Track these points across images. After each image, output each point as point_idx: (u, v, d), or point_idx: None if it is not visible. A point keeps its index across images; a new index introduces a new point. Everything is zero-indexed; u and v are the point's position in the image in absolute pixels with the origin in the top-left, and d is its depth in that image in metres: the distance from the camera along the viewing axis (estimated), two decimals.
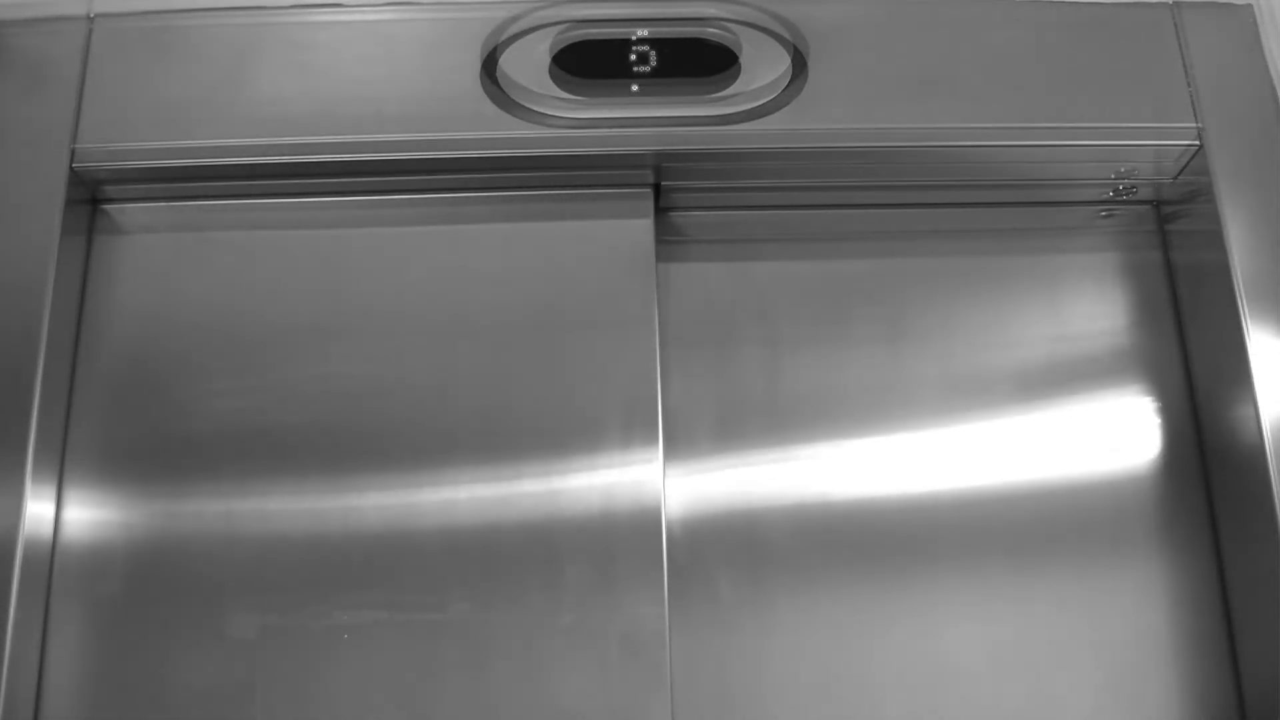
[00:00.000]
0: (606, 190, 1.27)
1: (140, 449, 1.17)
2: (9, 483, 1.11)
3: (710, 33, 1.27)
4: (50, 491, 1.15)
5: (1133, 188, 1.32)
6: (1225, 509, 1.23)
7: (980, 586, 1.21)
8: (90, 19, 1.26)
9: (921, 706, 1.18)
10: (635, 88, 1.25)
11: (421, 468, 1.17)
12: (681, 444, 1.24)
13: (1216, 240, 1.22)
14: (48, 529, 1.14)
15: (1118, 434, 1.28)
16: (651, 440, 1.18)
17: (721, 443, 1.25)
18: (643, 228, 1.26)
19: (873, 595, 1.20)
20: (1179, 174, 1.29)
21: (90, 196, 1.25)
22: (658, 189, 1.29)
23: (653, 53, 1.26)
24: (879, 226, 1.34)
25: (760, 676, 1.18)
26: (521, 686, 1.11)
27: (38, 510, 1.12)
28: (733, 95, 1.25)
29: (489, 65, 1.25)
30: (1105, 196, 1.34)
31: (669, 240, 1.32)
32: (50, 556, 1.14)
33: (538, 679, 1.11)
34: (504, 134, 1.23)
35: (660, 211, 1.31)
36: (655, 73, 1.26)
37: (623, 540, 1.14)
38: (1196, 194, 1.27)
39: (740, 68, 1.26)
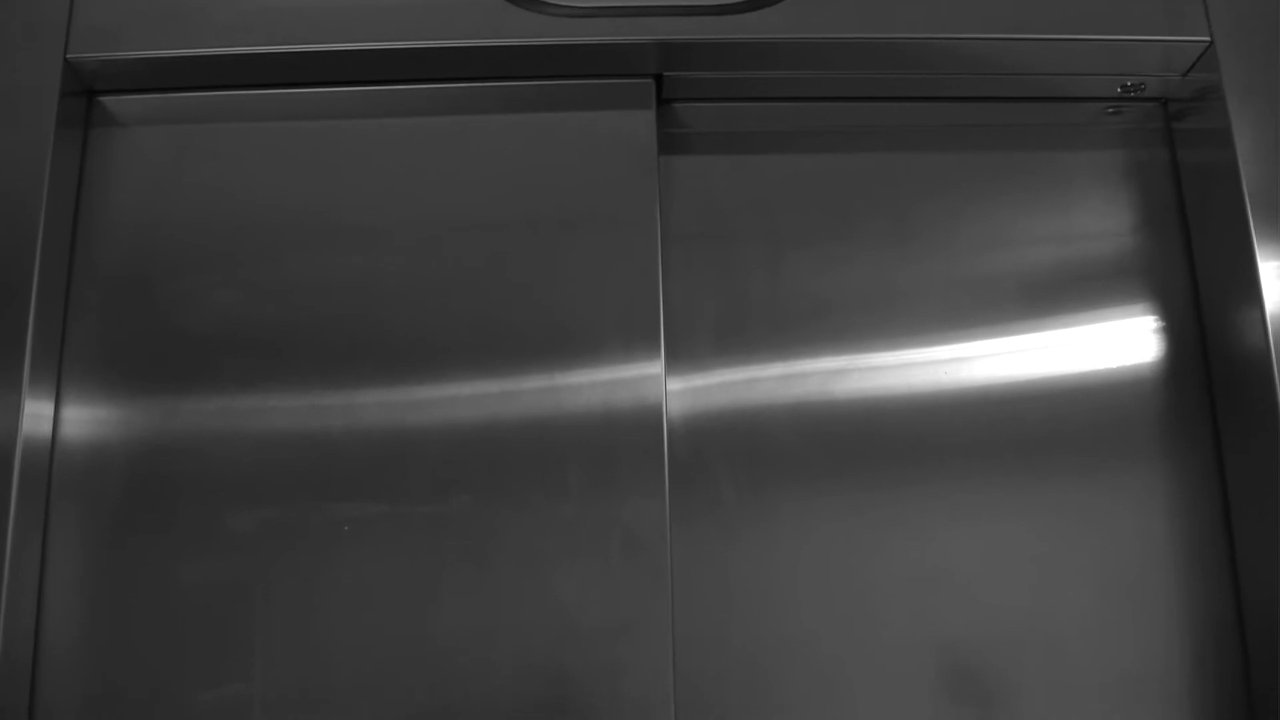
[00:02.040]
0: (607, 81, 1.25)
1: (139, 346, 1.17)
2: (7, 381, 1.11)
3: None
4: (49, 390, 1.14)
5: (1141, 85, 1.31)
6: (1228, 413, 1.24)
7: (983, 490, 1.22)
8: None
9: (922, 608, 1.19)
10: None
11: (422, 364, 1.17)
12: (683, 343, 1.24)
13: (1225, 139, 1.21)
14: (46, 427, 1.14)
15: (1121, 337, 1.27)
16: (653, 338, 1.17)
17: (724, 342, 1.24)
18: (644, 119, 1.24)
19: (875, 498, 1.21)
20: (1188, 71, 1.28)
21: (85, 88, 1.23)
22: (659, 80, 1.27)
23: None
24: (884, 120, 1.33)
25: (761, 576, 1.19)
26: (523, 582, 1.12)
27: (36, 409, 1.13)
28: None
29: None
30: (1113, 93, 1.32)
31: (672, 132, 1.31)
32: (50, 455, 1.14)
33: (539, 575, 1.12)
34: (505, 23, 1.21)
35: (663, 103, 1.29)
36: None
37: (624, 438, 1.15)
38: (1206, 92, 1.26)
39: None
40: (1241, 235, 1.19)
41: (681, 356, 1.23)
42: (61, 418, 1.15)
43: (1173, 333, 1.28)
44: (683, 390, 1.23)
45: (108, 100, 1.24)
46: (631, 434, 1.15)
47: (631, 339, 1.17)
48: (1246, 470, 1.20)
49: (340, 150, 1.23)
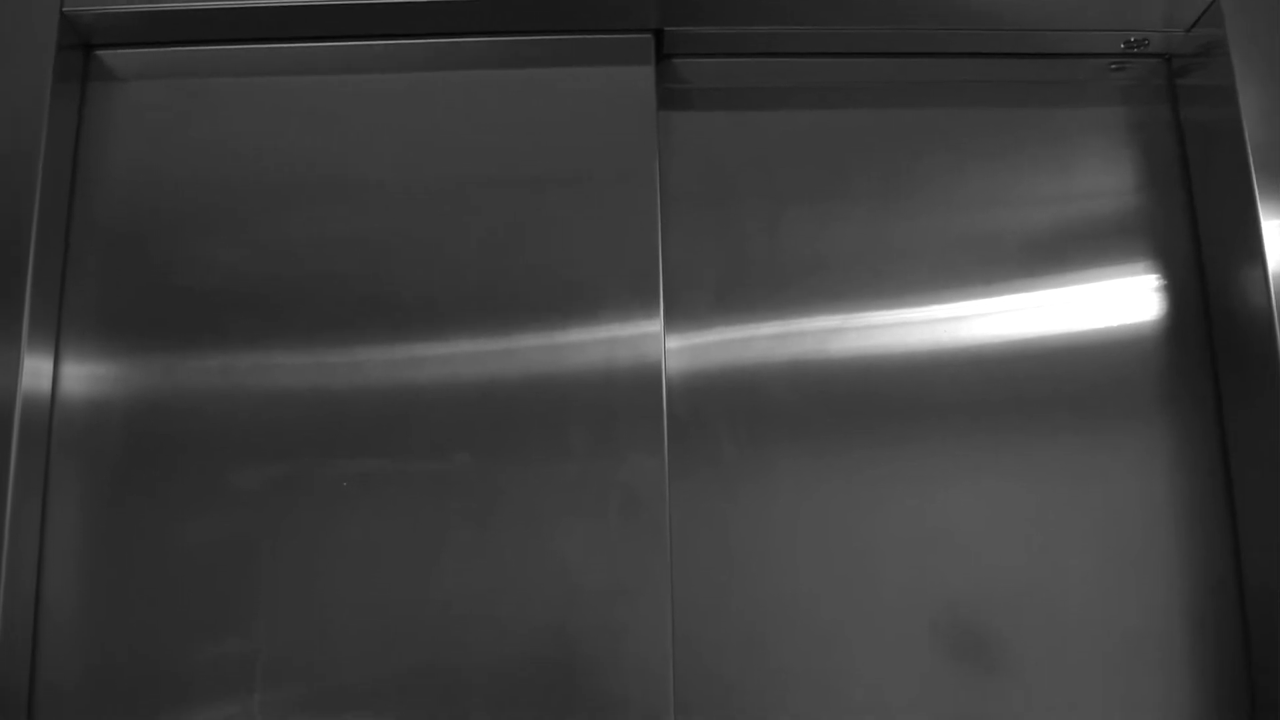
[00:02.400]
0: (607, 36, 1.25)
1: (139, 302, 1.17)
2: (6, 337, 1.10)
3: None
4: (48, 346, 1.14)
5: (1144, 40, 1.30)
6: (1229, 371, 1.23)
7: (984, 449, 1.22)
8: None
9: (921, 567, 1.19)
10: None
11: (421, 322, 1.17)
12: (683, 301, 1.23)
13: (1229, 96, 1.21)
14: (46, 384, 1.14)
15: (1122, 295, 1.27)
16: (652, 296, 1.17)
17: (723, 300, 1.24)
18: (643, 75, 1.24)
19: (874, 456, 1.21)
20: (1192, 26, 1.27)
21: (82, 42, 1.22)
22: (660, 35, 1.26)
23: None
24: (885, 77, 1.32)
25: (759, 535, 1.19)
26: (523, 540, 1.12)
27: (35, 366, 1.13)
28: None
29: None
30: (1116, 49, 1.31)
31: (672, 88, 1.30)
32: (49, 412, 1.14)
33: (539, 533, 1.12)
34: None
35: (662, 58, 1.29)
36: None
37: (623, 396, 1.15)
38: (1210, 48, 1.25)
39: None
40: (1245, 193, 1.19)
41: (681, 314, 1.23)
42: (61, 374, 1.15)
43: (1174, 291, 1.27)
44: (682, 348, 1.22)
45: (105, 54, 1.23)
46: (631, 392, 1.15)
47: (631, 297, 1.17)
48: (1248, 428, 1.20)
49: (340, 106, 1.22)
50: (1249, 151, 1.18)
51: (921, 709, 1.17)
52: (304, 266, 1.18)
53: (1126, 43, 1.30)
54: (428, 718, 1.09)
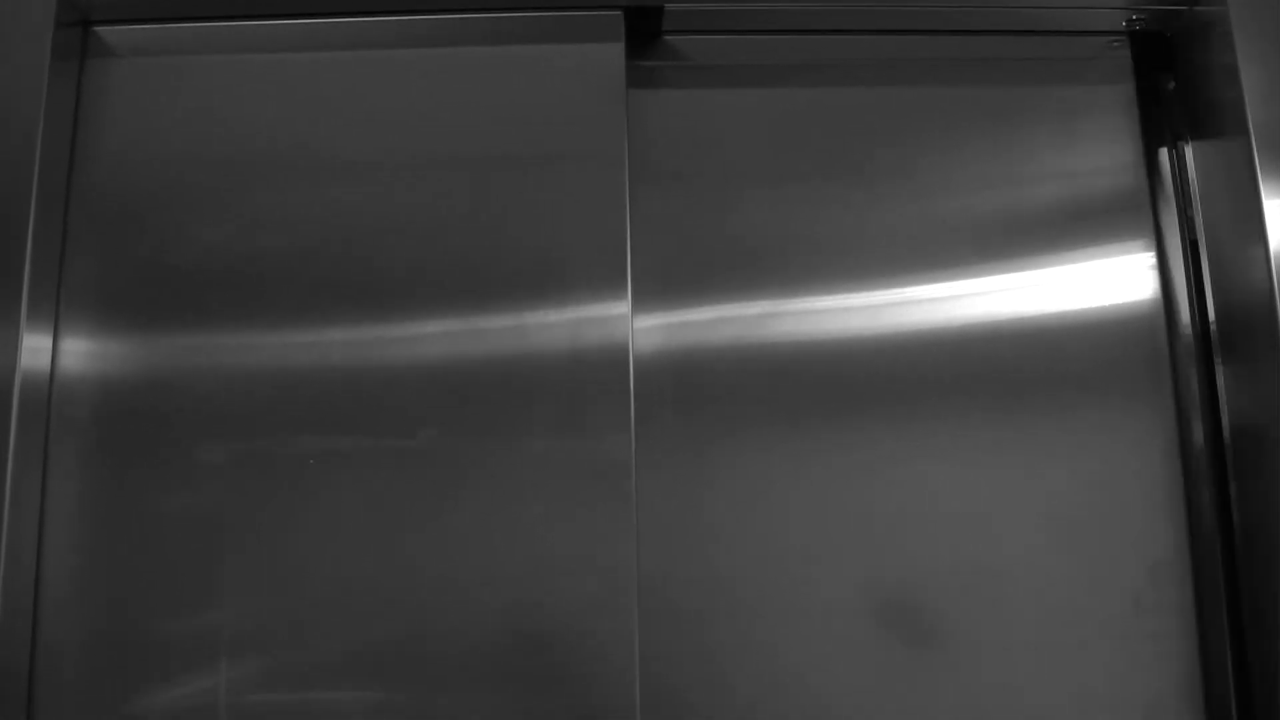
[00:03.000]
0: (576, 13, 1.24)
1: (138, 279, 1.17)
2: (5, 315, 1.10)
3: None
4: (47, 324, 1.14)
5: (1146, 18, 1.29)
6: (1228, 350, 1.23)
7: (961, 431, 1.22)
8: None
9: (875, 546, 1.19)
10: None
11: (393, 301, 1.17)
12: (651, 280, 1.23)
13: (1231, 74, 1.20)
14: (45, 361, 1.14)
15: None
16: (620, 277, 1.17)
17: (692, 280, 1.24)
18: (613, 52, 1.23)
19: (842, 438, 1.21)
20: (1195, 4, 1.26)
21: (81, 18, 1.22)
22: (630, 11, 1.25)
23: None
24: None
25: (724, 512, 1.19)
26: (491, 513, 1.13)
27: (34, 343, 1.13)
28: None
29: None
30: (1118, 27, 1.31)
31: (642, 66, 1.29)
32: (48, 388, 1.14)
33: (506, 510, 1.13)
34: None
35: (633, 35, 1.27)
36: None
37: (591, 376, 1.15)
38: (1212, 26, 1.24)
39: None
40: (1247, 171, 1.18)
41: (649, 292, 1.23)
42: (59, 350, 1.15)
43: (1170, 272, 1.27)
44: (651, 328, 1.22)
45: (104, 30, 1.23)
46: (598, 372, 1.15)
47: (599, 277, 1.17)
48: (1248, 409, 1.20)
49: (318, 83, 1.22)
50: (1251, 130, 1.18)
51: (872, 682, 1.17)
52: (280, 244, 1.18)
53: (1128, 20, 1.29)
54: (394, 692, 1.10)
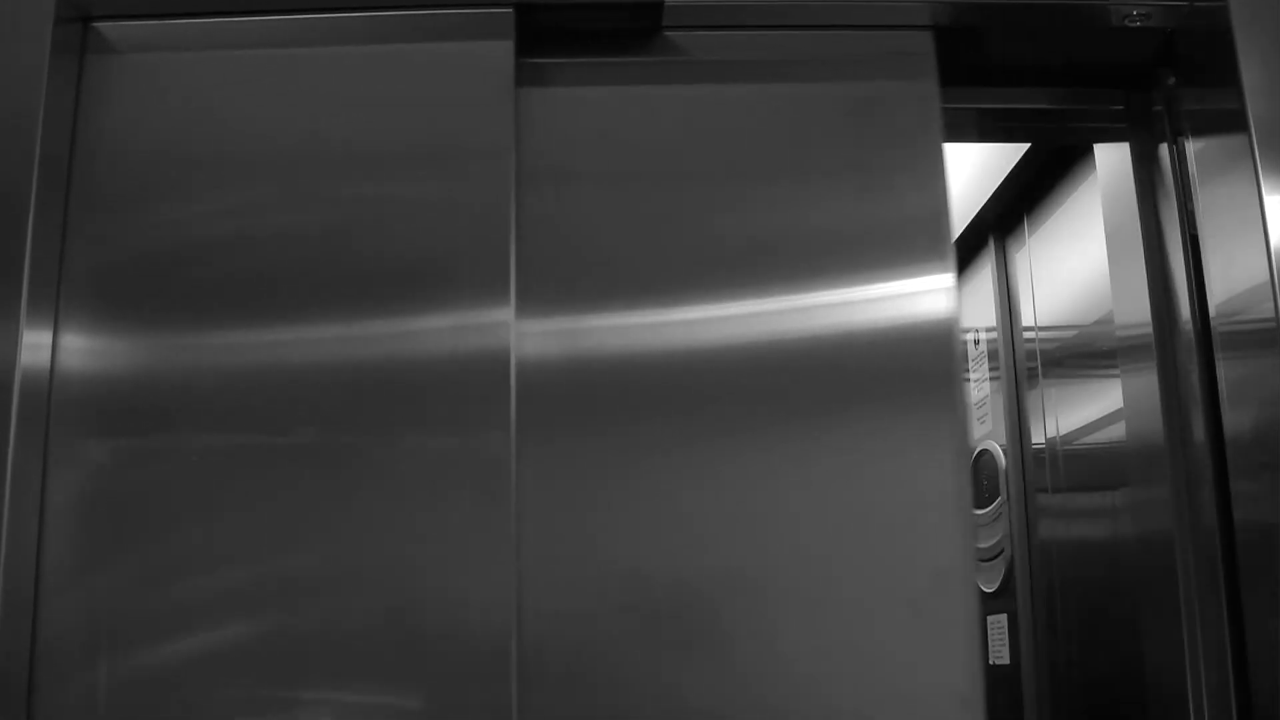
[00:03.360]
0: (467, 10, 1.22)
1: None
2: (5, 309, 1.10)
3: None
4: (47, 318, 1.14)
5: (1148, 15, 1.29)
6: (1228, 348, 1.23)
7: (777, 439, 1.19)
8: None
9: (699, 549, 1.17)
10: None
11: (283, 302, 1.16)
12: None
13: (1231, 70, 1.20)
14: (45, 355, 1.14)
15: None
16: (504, 280, 1.15)
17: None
18: (502, 50, 1.21)
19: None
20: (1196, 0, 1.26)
21: (81, 14, 1.22)
22: (520, 9, 1.23)
23: None
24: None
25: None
26: (371, 511, 1.12)
27: (34, 338, 1.12)
28: None
29: None
30: (1119, 23, 1.30)
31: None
32: (49, 383, 1.14)
33: (388, 505, 1.12)
34: None
35: (524, 33, 1.24)
36: None
37: (474, 380, 1.14)
38: (1213, 23, 1.24)
39: None
40: (1247, 168, 1.18)
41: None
42: (59, 345, 1.15)
43: (1171, 266, 1.27)
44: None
45: (103, 26, 1.22)
46: (481, 377, 1.14)
47: (481, 282, 1.16)
48: (1249, 401, 1.20)
49: (242, 81, 1.23)
50: (1251, 126, 1.18)
51: (670, 677, 1.15)
52: (204, 243, 1.18)
53: (1129, 16, 1.29)
54: (269, 683, 1.09)
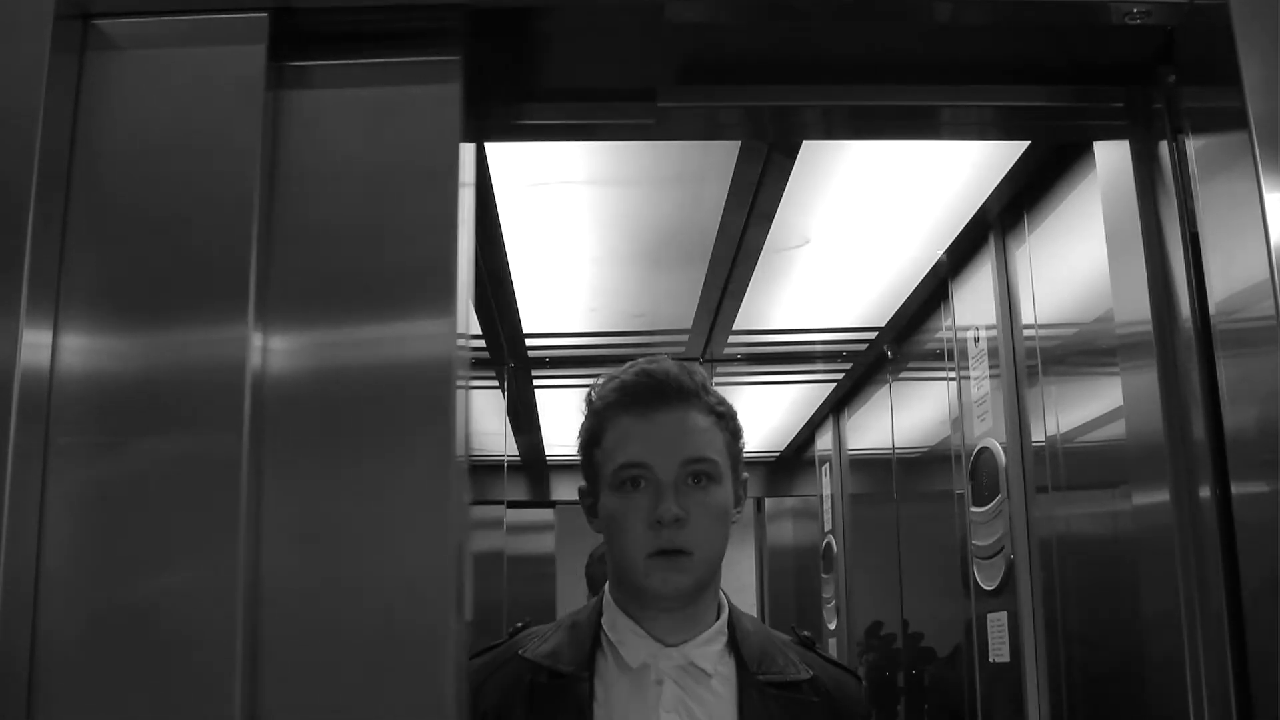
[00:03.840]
0: (222, 15, 1.21)
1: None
2: (5, 308, 1.10)
3: None
4: (47, 318, 1.14)
5: (1148, 13, 1.28)
6: (1229, 345, 1.23)
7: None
8: None
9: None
10: None
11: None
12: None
13: (1231, 68, 1.20)
14: (45, 355, 1.13)
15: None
16: (242, 293, 1.14)
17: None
18: (253, 55, 1.20)
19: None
20: None
21: (81, 11, 1.21)
22: (276, 13, 1.21)
23: None
24: None
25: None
26: (115, 512, 1.12)
27: (34, 337, 1.12)
28: None
29: None
30: (1119, 21, 1.30)
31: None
32: (49, 383, 1.13)
33: (132, 505, 1.12)
34: None
35: (285, 37, 1.22)
36: None
37: (210, 386, 1.13)
38: (1213, 20, 1.23)
39: None
40: (1247, 165, 1.18)
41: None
42: (59, 345, 1.14)
43: (1171, 264, 1.26)
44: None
45: (103, 23, 1.22)
46: (214, 383, 1.13)
47: (221, 294, 1.15)
48: (1250, 397, 1.20)
49: None
50: (1251, 123, 1.18)
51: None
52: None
53: (1130, 14, 1.28)
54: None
